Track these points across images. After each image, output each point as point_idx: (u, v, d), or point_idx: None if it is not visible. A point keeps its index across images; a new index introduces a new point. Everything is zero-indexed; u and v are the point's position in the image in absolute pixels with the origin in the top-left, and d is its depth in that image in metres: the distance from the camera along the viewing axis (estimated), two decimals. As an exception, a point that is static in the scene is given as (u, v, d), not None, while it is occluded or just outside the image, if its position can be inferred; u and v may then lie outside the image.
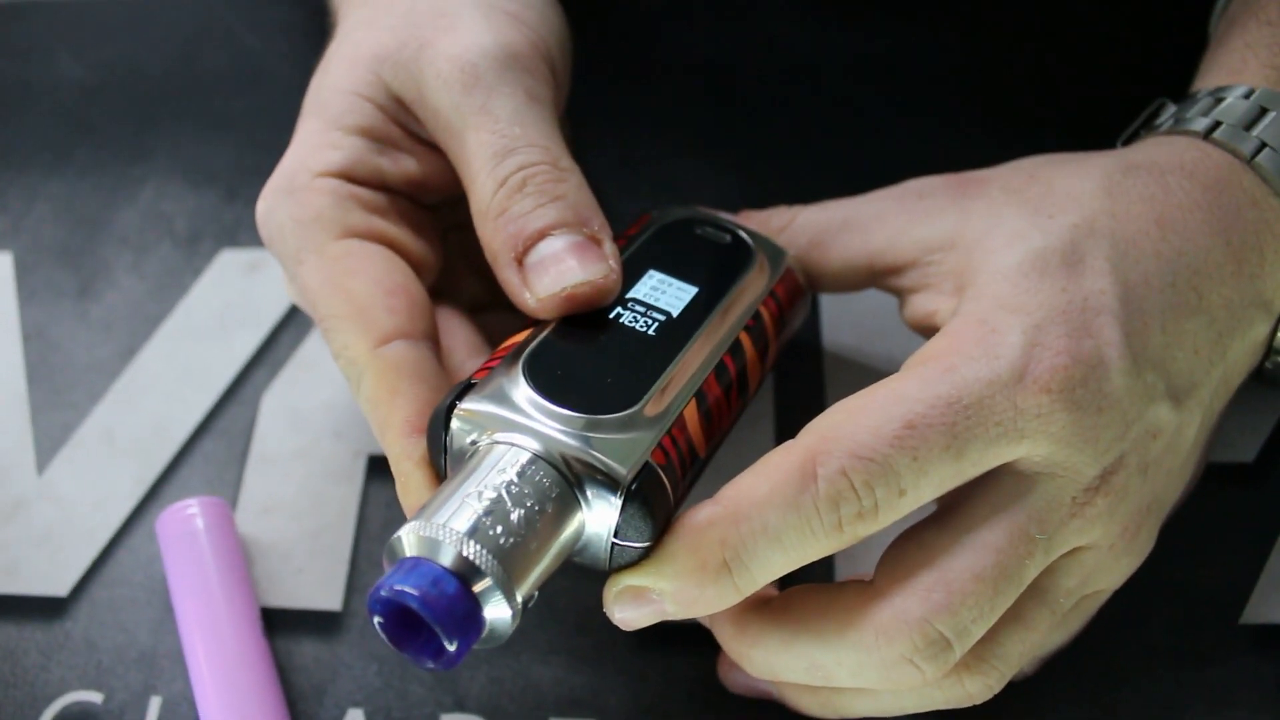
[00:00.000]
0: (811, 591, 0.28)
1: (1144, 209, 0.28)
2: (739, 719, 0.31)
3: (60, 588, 0.34)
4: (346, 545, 0.35)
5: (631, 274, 0.29)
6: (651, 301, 0.29)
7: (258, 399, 0.38)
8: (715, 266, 0.30)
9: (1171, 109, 0.32)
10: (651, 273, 0.30)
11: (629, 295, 0.29)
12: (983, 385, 0.25)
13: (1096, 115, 0.35)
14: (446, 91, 0.30)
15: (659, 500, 0.25)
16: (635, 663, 0.32)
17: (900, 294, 0.31)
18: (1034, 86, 0.42)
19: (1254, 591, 0.32)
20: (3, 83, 0.46)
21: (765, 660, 0.28)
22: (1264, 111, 0.30)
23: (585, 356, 0.27)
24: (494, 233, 0.28)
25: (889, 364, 0.37)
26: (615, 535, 0.25)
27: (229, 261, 0.41)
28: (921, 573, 0.26)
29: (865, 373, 0.36)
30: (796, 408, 0.36)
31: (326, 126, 0.31)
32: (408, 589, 0.23)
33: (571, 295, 0.27)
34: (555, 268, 0.28)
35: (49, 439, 0.37)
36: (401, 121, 0.32)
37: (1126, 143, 0.33)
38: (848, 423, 0.25)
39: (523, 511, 0.24)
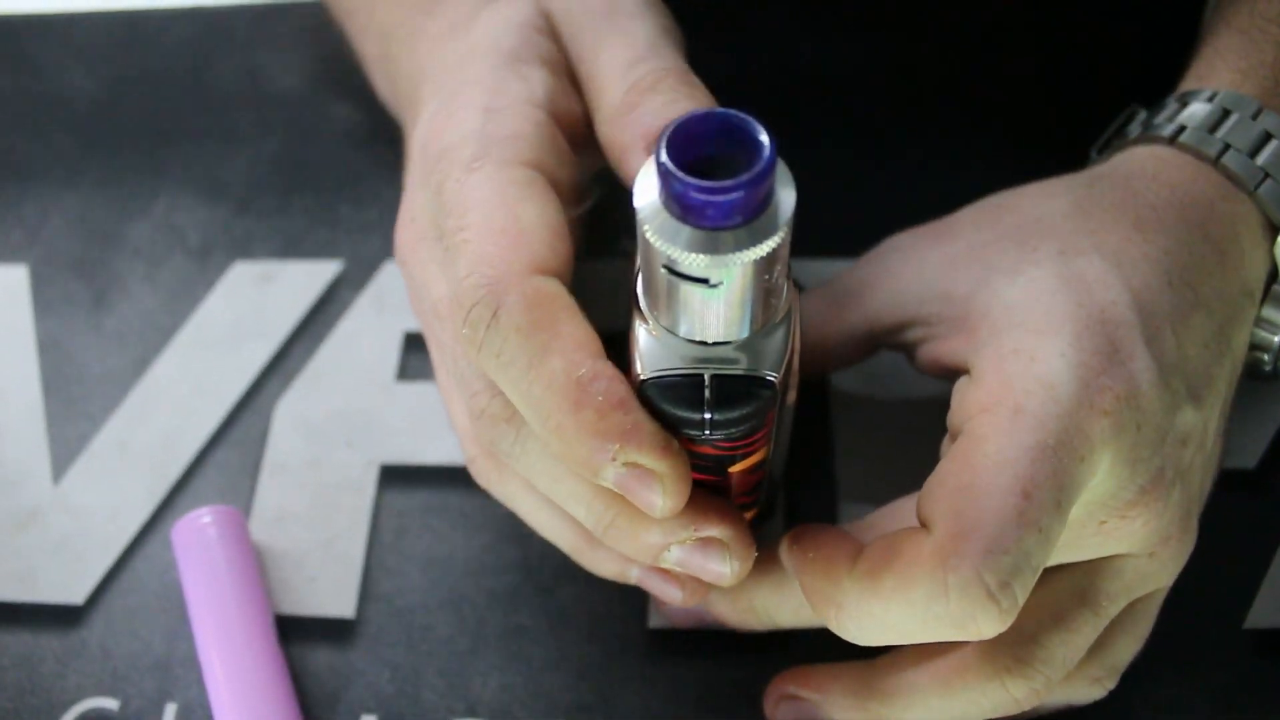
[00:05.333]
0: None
1: (1117, 216, 0.28)
2: (747, 724, 0.32)
3: (76, 596, 0.35)
4: (359, 553, 0.35)
5: None
6: None
7: (270, 409, 0.38)
8: None
9: (1142, 115, 0.32)
10: None
11: None
12: (1056, 420, 0.25)
13: (1104, 128, 0.35)
14: (590, 15, 0.29)
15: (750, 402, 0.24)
16: (644, 669, 0.33)
17: (907, 349, 0.31)
18: (1041, 99, 0.42)
19: (1258, 596, 0.32)
20: (17, 97, 0.47)
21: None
22: (1227, 114, 0.30)
23: None
24: (622, 128, 0.27)
25: (896, 375, 0.37)
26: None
27: (241, 273, 0.41)
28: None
29: (873, 383, 0.37)
30: (805, 417, 0.36)
31: (506, 60, 0.29)
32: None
33: None
34: None
35: (64, 449, 0.38)
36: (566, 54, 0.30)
37: (1101, 151, 0.33)
38: (971, 506, 0.24)
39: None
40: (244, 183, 0.43)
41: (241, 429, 0.38)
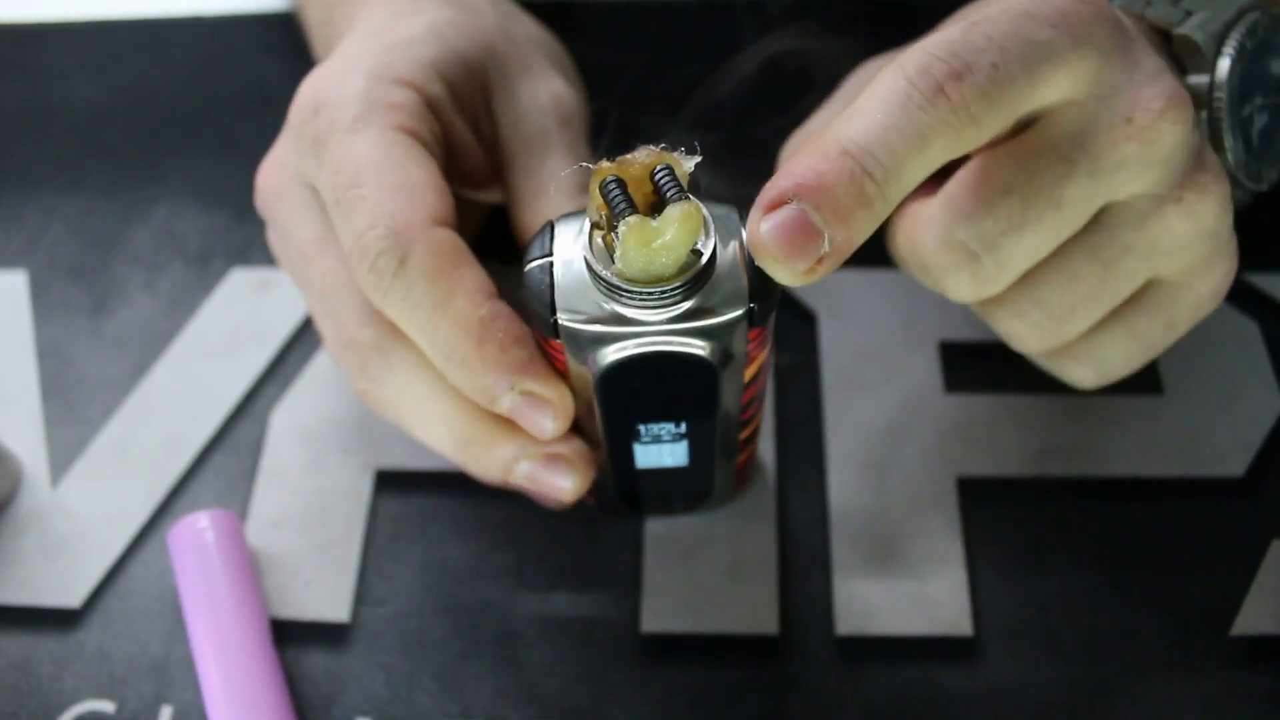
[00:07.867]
0: None
1: None
2: (739, 728, 0.32)
3: (74, 599, 0.35)
4: (354, 558, 0.35)
5: None
6: None
7: (267, 414, 0.38)
8: None
9: None
10: None
11: None
12: (991, 23, 0.25)
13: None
14: (540, 114, 0.32)
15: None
16: (637, 674, 0.33)
17: None
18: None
19: (1244, 603, 0.33)
20: (19, 105, 0.47)
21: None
22: None
23: None
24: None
25: (888, 384, 0.37)
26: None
27: (240, 280, 0.41)
28: (959, 186, 0.27)
29: (863, 392, 0.37)
30: (797, 423, 0.37)
31: (403, 42, 0.32)
32: None
33: None
34: None
35: (63, 453, 0.38)
36: (460, 99, 0.32)
37: None
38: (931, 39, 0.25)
39: None
40: (243, 191, 0.43)
41: (238, 434, 0.38)
